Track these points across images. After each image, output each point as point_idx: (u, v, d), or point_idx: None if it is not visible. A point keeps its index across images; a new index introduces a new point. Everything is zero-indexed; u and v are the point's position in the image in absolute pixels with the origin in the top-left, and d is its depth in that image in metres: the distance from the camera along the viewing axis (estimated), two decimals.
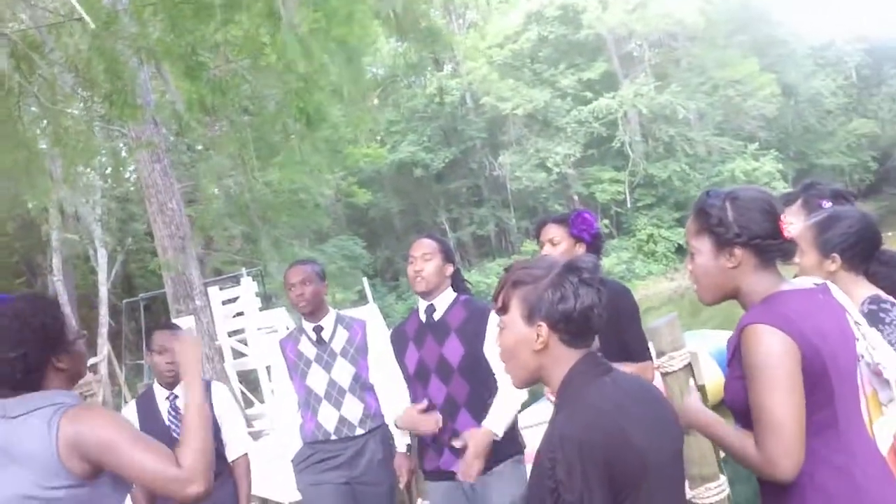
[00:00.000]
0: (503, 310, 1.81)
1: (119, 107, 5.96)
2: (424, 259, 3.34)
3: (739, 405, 1.90)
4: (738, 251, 1.90)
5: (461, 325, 3.29)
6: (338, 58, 5.25)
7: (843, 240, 2.50)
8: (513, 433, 3.27)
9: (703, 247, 1.95)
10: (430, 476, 3.36)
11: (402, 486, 3.83)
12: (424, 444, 3.34)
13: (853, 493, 1.80)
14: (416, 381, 3.33)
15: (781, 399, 1.76)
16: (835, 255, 2.50)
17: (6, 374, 1.99)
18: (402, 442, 3.70)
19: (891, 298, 2.43)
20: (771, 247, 1.90)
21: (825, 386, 1.81)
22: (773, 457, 1.75)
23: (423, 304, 3.40)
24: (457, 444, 3.14)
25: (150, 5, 5.66)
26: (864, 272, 2.53)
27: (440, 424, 3.19)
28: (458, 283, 3.47)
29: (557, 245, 3.36)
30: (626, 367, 3.14)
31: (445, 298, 3.38)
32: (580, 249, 3.33)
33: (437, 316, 3.35)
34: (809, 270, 2.50)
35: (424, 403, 3.24)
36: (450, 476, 3.23)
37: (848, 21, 64.09)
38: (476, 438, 3.10)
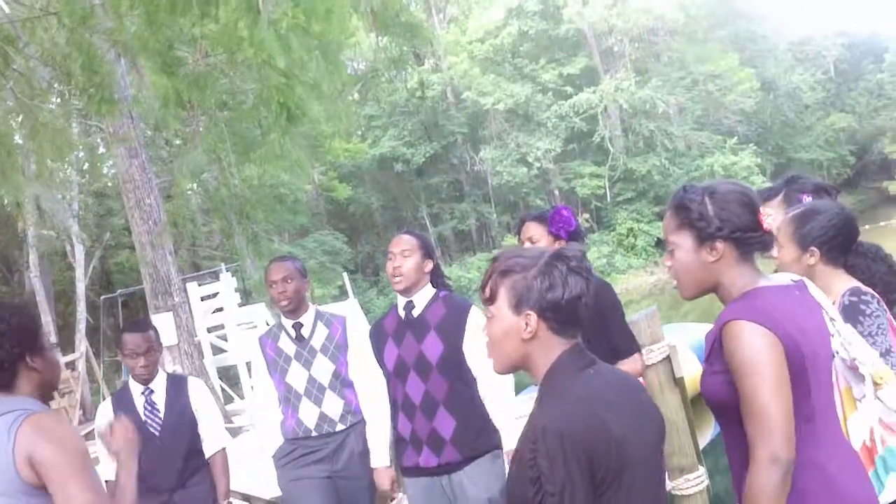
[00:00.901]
0: (491, 300, 1.79)
1: (97, 102, 5.89)
2: (404, 255, 3.32)
3: (717, 399, 1.90)
4: (719, 245, 1.90)
5: (440, 322, 3.28)
6: (316, 53, 5.21)
7: (822, 233, 2.50)
8: (489, 427, 3.27)
9: (684, 242, 1.95)
10: (408, 472, 3.35)
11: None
12: (403, 442, 3.33)
13: (827, 488, 1.81)
14: (395, 378, 3.31)
15: (771, 395, 1.76)
16: (813, 248, 2.51)
17: None
18: None
19: (870, 290, 2.45)
20: (751, 239, 1.90)
21: (803, 382, 1.82)
22: (773, 451, 1.74)
23: (401, 301, 3.38)
24: None
25: None
26: (842, 265, 2.55)
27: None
28: (437, 278, 3.44)
29: (537, 243, 3.38)
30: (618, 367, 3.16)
31: (425, 295, 3.36)
32: (559, 247, 3.34)
33: (416, 312, 3.33)
34: (788, 264, 2.51)
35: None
36: (428, 472, 3.23)
37: (827, 16, 64.64)
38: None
